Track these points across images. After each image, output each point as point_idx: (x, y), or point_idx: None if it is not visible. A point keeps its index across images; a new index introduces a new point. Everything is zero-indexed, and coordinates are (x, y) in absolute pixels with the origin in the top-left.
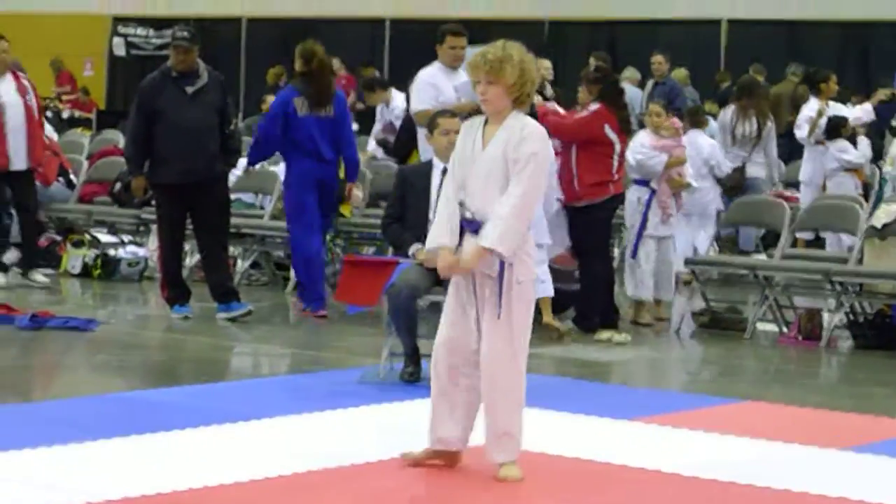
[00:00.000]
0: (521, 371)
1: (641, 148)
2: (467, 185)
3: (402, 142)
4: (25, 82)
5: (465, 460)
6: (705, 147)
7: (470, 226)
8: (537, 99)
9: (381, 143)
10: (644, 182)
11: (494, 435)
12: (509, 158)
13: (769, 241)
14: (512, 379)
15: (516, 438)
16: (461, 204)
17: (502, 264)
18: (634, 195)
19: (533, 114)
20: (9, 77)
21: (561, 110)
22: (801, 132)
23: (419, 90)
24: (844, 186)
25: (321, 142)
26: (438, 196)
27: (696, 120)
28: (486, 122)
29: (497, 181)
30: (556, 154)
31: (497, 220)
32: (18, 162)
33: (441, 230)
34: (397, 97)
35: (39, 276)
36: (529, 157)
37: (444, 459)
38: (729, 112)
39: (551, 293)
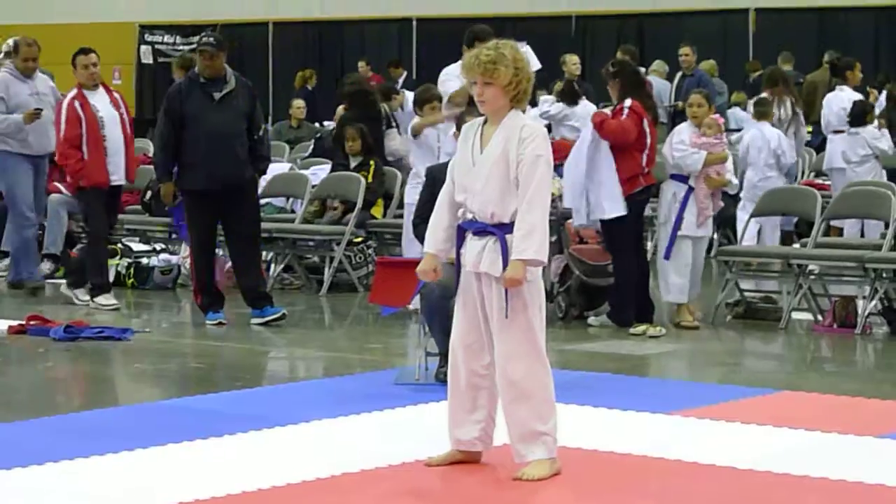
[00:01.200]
0: (545, 366)
1: (679, 144)
2: (468, 187)
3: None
4: (117, 96)
5: (494, 460)
6: (773, 138)
7: (472, 226)
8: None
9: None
10: (682, 178)
11: (523, 435)
12: (511, 159)
13: (801, 229)
14: (535, 376)
15: (551, 436)
16: (462, 205)
17: (505, 265)
18: (670, 191)
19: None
20: (101, 91)
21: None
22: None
23: (444, 82)
24: (875, 173)
25: None
26: None
27: (762, 112)
28: (484, 122)
29: (498, 182)
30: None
31: (529, 230)
32: (118, 178)
33: (432, 237)
34: (410, 98)
35: (84, 294)
36: (535, 159)
37: (465, 459)
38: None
39: None
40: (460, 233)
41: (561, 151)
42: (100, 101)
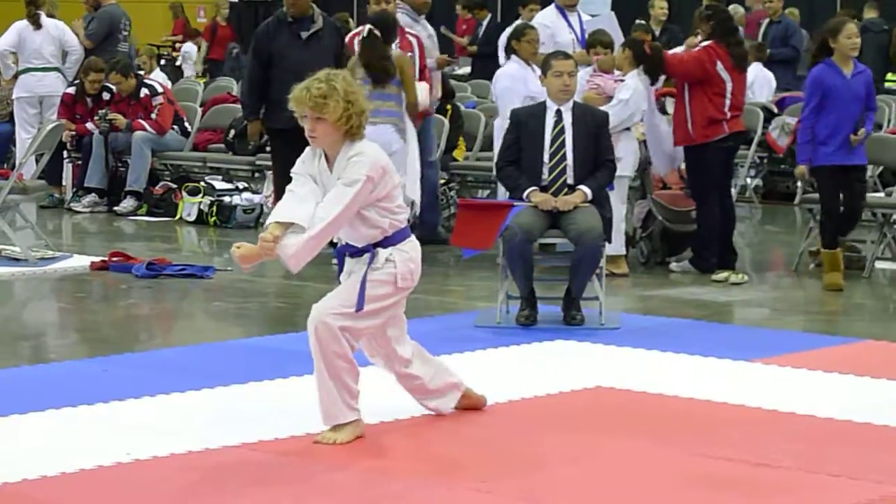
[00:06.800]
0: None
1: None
2: None
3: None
4: (411, 38)
5: (539, 412)
6: None
7: (347, 249)
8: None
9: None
10: None
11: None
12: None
13: (886, 178)
14: (334, 344)
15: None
16: None
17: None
18: None
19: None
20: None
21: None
22: None
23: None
24: None
25: None
26: (553, 138)
27: None
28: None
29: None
30: (659, 96)
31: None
32: None
33: (289, 207)
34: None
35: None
36: (348, 183)
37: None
38: None
39: None
40: (340, 256)
41: None
42: None
